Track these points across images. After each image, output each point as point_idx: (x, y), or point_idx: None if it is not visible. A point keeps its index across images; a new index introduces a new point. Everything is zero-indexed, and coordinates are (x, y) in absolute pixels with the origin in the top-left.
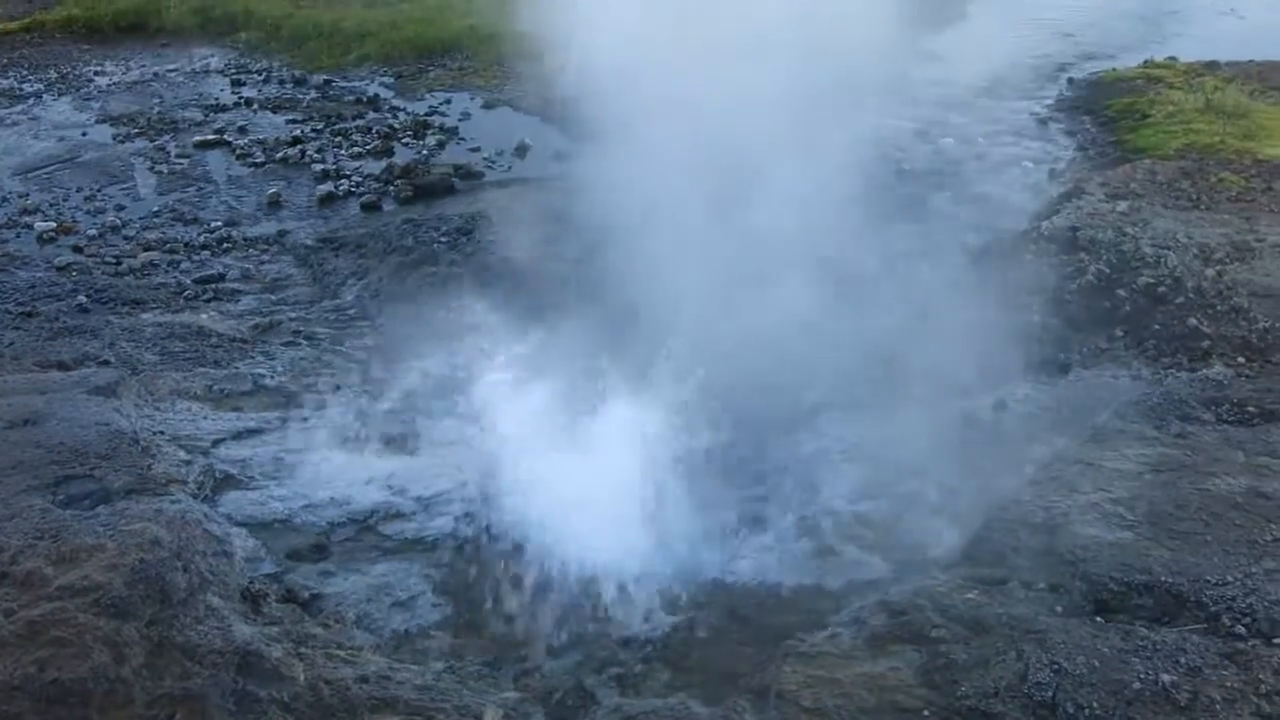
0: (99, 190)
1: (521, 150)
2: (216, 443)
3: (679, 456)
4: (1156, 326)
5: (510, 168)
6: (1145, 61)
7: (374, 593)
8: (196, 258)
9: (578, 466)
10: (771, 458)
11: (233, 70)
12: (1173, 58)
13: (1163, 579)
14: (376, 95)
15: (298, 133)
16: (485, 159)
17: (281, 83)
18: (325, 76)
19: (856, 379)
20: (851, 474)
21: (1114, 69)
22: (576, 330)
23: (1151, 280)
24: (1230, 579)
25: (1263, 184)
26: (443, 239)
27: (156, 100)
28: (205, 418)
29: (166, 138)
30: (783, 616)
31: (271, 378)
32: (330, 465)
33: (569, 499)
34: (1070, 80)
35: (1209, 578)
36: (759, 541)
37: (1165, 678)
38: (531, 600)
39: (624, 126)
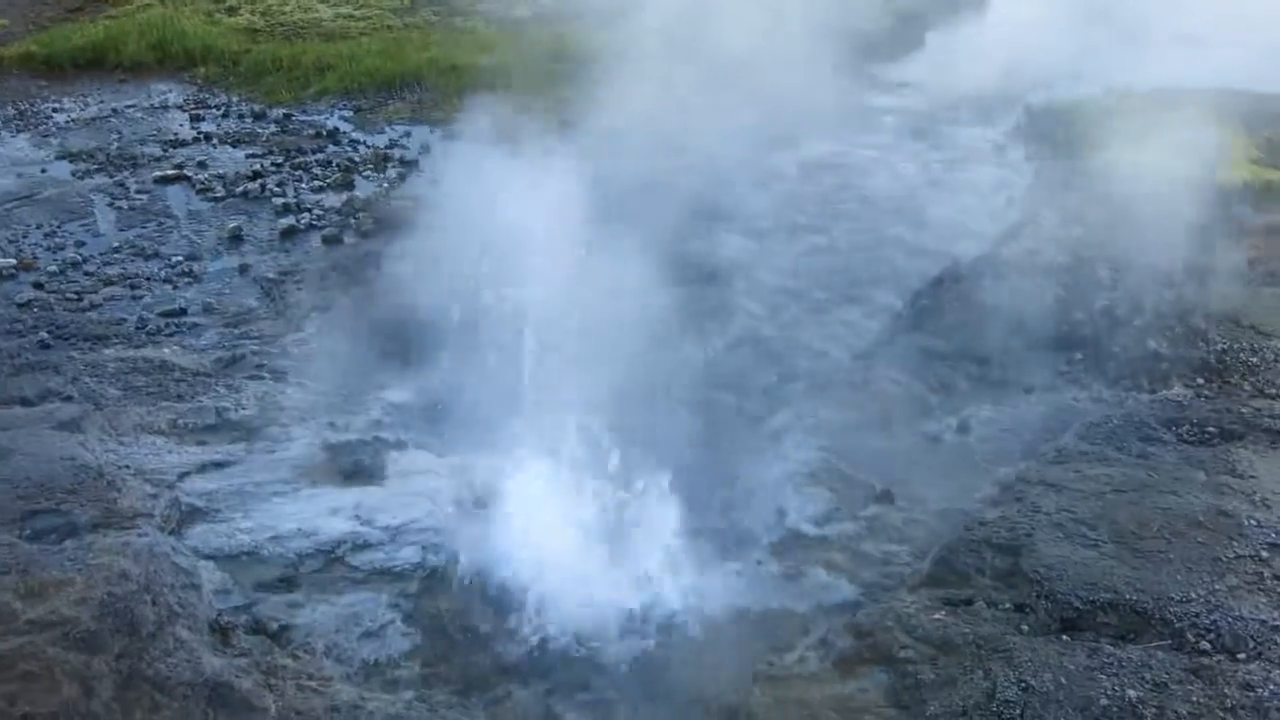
0: (59, 226)
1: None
2: (182, 476)
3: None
4: (1116, 349)
5: (470, 199)
6: (1101, 89)
7: (343, 623)
8: (158, 292)
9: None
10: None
11: (191, 105)
12: (1128, 85)
13: (1127, 597)
14: (336, 129)
15: (258, 167)
16: (446, 191)
17: (241, 117)
18: (284, 110)
19: (821, 403)
20: (818, 497)
21: (1070, 96)
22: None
23: (1110, 303)
24: (1194, 596)
25: (1218, 208)
26: (405, 270)
27: (115, 136)
28: (170, 451)
29: (126, 173)
30: (750, 639)
31: (235, 411)
32: (296, 497)
33: (537, 524)
34: (1027, 107)
35: (1173, 595)
36: (727, 566)
37: (1131, 693)
38: (501, 629)
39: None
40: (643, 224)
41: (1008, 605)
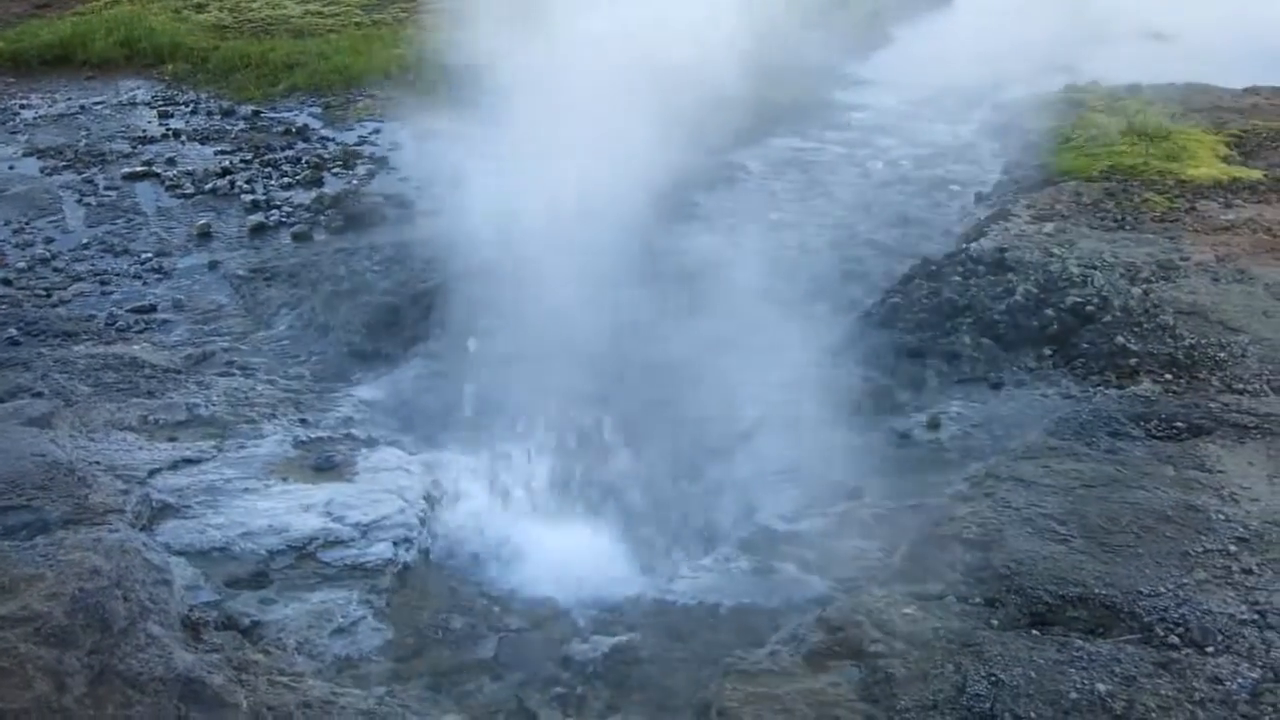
0: (27, 223)
1: (453, 180)
2: (153, 472)
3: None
4: (1085, 345)
5: (442, 196)
6: (1068, 85)
7: (315, 619)
8: (128, 289)
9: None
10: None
11: (160, 102)
12: (1095, 81)
13: (1097, 591)
14: (305, 125)
15: (227, 164)
16: (416, 188)
17: (209, 114)
18: (253, 107)
19: (790, 401)
20: (788, 493)
21: (1038, 93)
22: (512, 355)
23: (1079, 300)
24: (1163, 590)
25: (1186, 204)
26: (375, 268)
27: (84, 133)
28: (141, 448)
29: (94, 170)
30: (722, 635)
31: (206, 407)
32: (268, 493)
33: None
34: (995, 104)
35: (1142, 589)
36: (697, 562)
37: (1101, 687)
38: (473, 624)
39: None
40: (610, 219)
41: (978, 600)
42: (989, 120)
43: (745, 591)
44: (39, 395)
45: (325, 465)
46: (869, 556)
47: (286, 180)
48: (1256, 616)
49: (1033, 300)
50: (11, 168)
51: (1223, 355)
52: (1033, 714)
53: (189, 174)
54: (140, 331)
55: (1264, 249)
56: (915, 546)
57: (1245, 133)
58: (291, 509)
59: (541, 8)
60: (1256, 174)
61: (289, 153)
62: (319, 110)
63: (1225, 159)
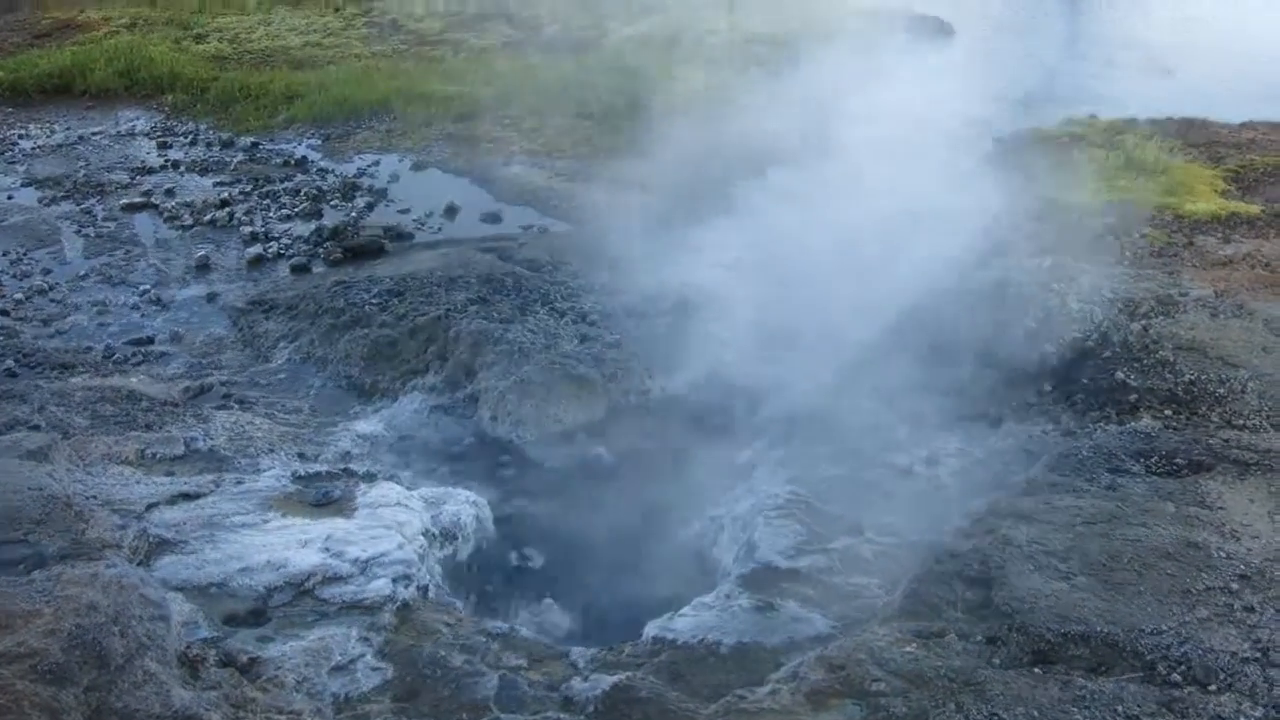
0: (25, 254)
1: (451, 212)
2: (150, 507)
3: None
4: (1085, 380)
5: (440, 229)
6: (1067, 119)
7: (313, 656)
8: (126, 321)
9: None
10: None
11: (159, 133)
12: (1093, 115)
13: (1099, 629)
14: (304, 157)
15: (225, 195)
16: (415, 220)
17: (209, 145)
18: (253, 139)
19: (792, 436)
20: (789, 530)
21: (1036, 127)
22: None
23: (1079, 335)
24: (1165, 628)
25: (1184, 239)
26: (374, 300)
27: (82, 163)
28: (138, 482)
29: (93, 201)
30: (723, 673)
31: (204, 441)
32: (265, 528)
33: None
34: (994, 137)
35: (1144, 627)
36: (698, 599)
37: None
38: (472, 664)
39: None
40: (615, 253)
41: (979, 638)
42: (988, 154)
43: (746, 629)
44: (36, 428)
45: (323, 500)
46: (869, 593)
47: (285, 212)
48: (1259, 654)
49: (1033, 335)
50: (10, 198)
51: (1222, 391)
52: None
53: (188, 205)
54: (138, 364)
55: (1262, 284)
56: (916, 583)
57: (1243, 167)
58: (290, 545)
59: None
60: (1254, 209)
61: (288, 184)
62: (318, 142)
63: (1223, 194)
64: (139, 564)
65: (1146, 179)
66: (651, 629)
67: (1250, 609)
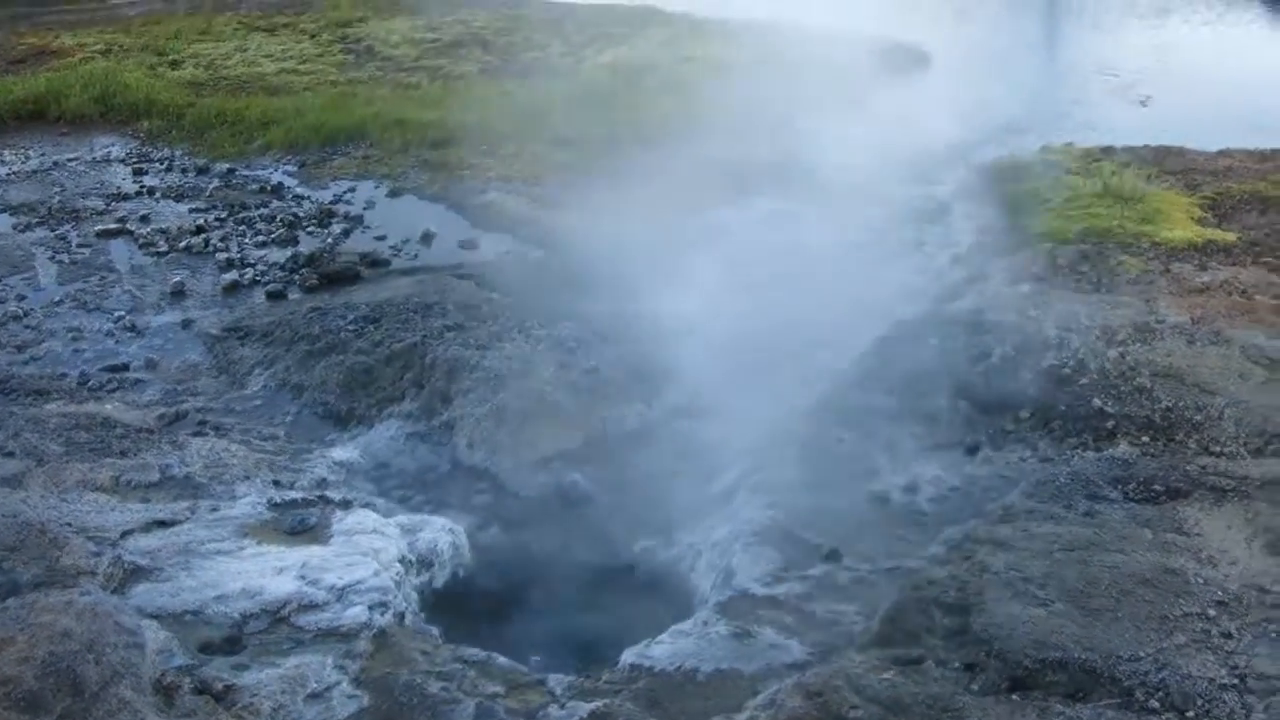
0: None
1: (427, 238)
2: (125, 534)
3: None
4: (1062, 407)
5: (416, 255)
6: (1043, 147)
7: (289, 684)
8: (100, 347)
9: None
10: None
11: (134, 159)
12: (1070, 143)
13: (1076, 655)
14: (280, 183)
15: (201, 221)
16: (391, 247)
17: (184, 171)
18: (228, 165)
19: (767, 463)
20: (766, 557)
21: (1013, 155)
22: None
23: (1056, 362)
24: (1143, 654)
25: (1161, 266)
26: (350, 327)
27: (57, 189)
28: (113, 509)
29: (68, 227)
30: (700, 700)
31: (179, 468)
32: (241, 555)
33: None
34: (971, 165)
35: (1122, 653)
36: (676, 626)
37: None
38: (448, 691)
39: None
40: (592, 279)
41: (957, 664)
42: (964, 181)
43: (723, 656)
44: (10, 455)
45: (299, 528)
46: (847, 620)
47: (261, 238)
48: (1237, 681)
49: (1009, 363)
50: None
51: (1199, 418)
52: None
53: (163, 231)
54: (113, 390)
55: (1239, 311)
56: (894, 610)
57: (1219, 195)
58: (265, 572)
59: None
60: (1231, 236)
61: (264, 211)
62: (294, 168)
63: (1200, 221)
64: (114, 591)
65: (1123, 206)
66: (629, 656)
67: (1228, 635)
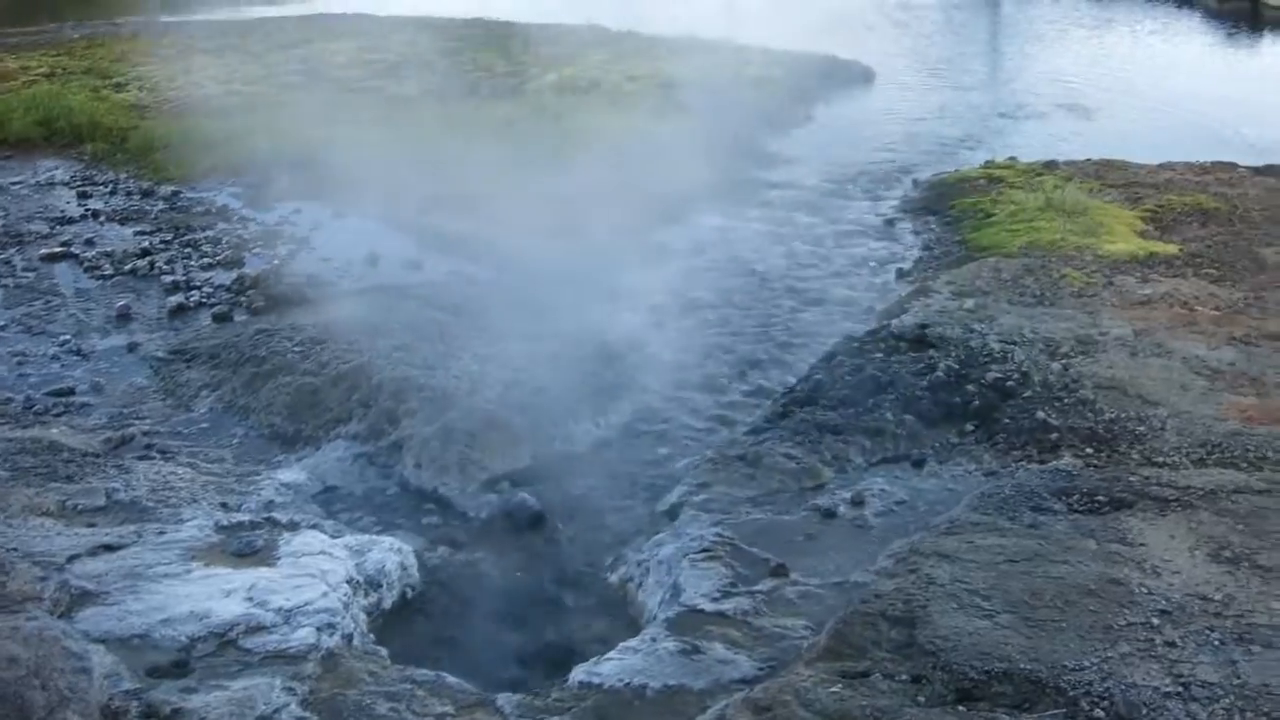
0: None
1: (373, 259)
2: (72, 559)
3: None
4: (1006, 420)
5: (363, 276)
6: (986, 162)
7: (237, 707)
8: (45, 371)
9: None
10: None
11: (79, 182)
12: (1013, 158)
13: (1022, 666)
14: (226, 205)
15: (146, 244)
16: (337, 268)
17: (129, 194)
18: (173, 187)
19: (714, 479)
20: (714, 573)
21: (957, 170)
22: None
23: (1000, 375)
24: (1087, 664)
25: (1104, 279)
26: (296, 349)
27: (1, 213)
28: (59, 533)
29: (12, 251)
30: (650, 717)
31: (126, 492)
32: (188, 579)
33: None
34: (915, 181)
35: (1067, 663)
36: (624, 643)
37: None
38: (399, 711)
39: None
40: (539, 298)
41: (904, 677)
42: (909, 197)
43: (672, 672)
44: None
45: (247, 550)
46: (795, 634)
47: (207, 260)
48: (1181, 689)
49: (954, 376)
50: None
51: (1142, 429)
52: None
53: (108, 255)
54: (58, 414)
55: (1181, 323)
56: (841, 624)
57: (1161, 208)
58: (213, 595)
59: None
60: (1172, 248)
61: (209, 233)
62: (239, 190)
63: (1142, 234)
64: (61, 616)
65: (1066, 220)
66: (578, 673)
67: (1172, 644)
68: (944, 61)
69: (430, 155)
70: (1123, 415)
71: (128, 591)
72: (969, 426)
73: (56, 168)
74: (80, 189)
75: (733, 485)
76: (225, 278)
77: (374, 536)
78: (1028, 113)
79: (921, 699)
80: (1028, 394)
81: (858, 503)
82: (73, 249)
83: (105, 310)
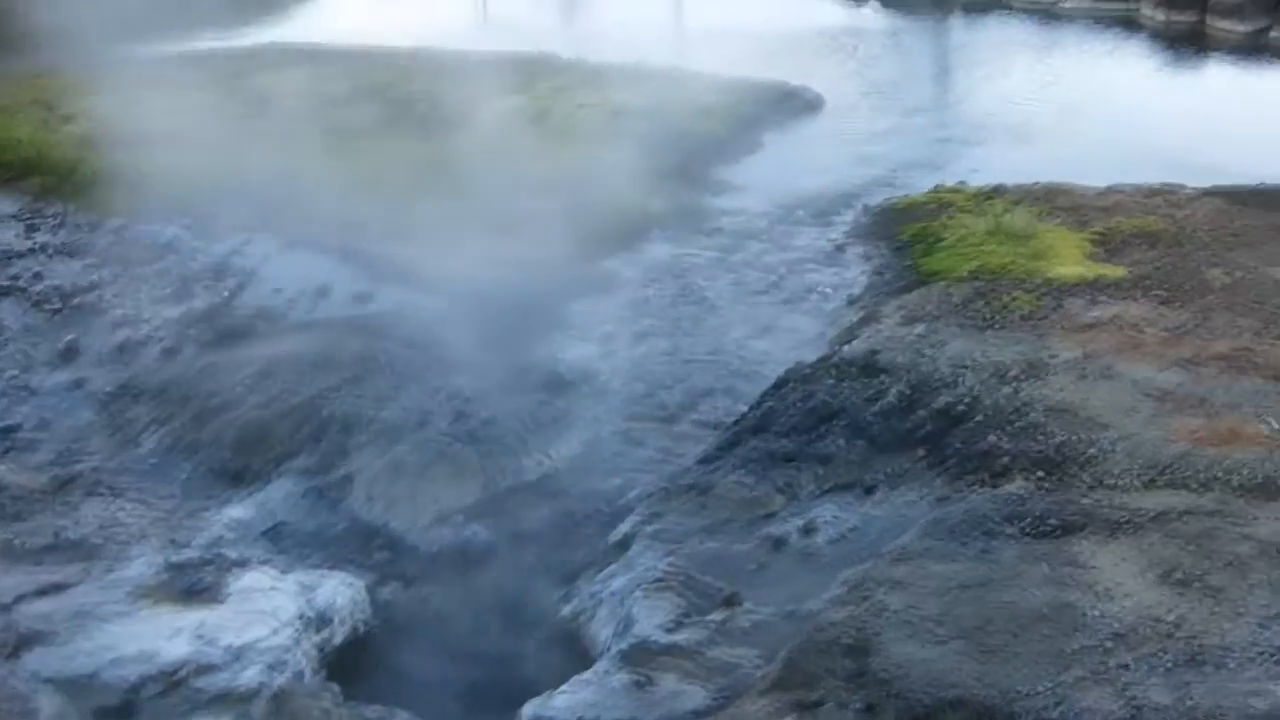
0: None
1: (323, 291)
2: (19, 599)
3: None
4: (957, 445)
5: (313, 308)
6: (935, 187)
7: None
8: None
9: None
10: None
11: (26, 215)
12: (962, 182)
13: (975, 693)
14: (175, 238)
15: (94, 278)
16: (287, 300)
17: (76, 228)
18: (121, 220)
19: (668, 510)
20: (666, 604)
21: (906, 195)
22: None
23: (950, 400)
24: (1040, 689)
25: (1053, 302)
26: (244, 383)
27: None
28: (5, 573)
29: None
30: None
31: (73, 530)
32: (136, 618)
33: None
34: (865, 206)
35: (1019, 689)
36: (577, 676)
37: None
38: None
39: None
40: (489, 329)
41: (858, 706)
42: (859, 223)
43: (624, 706)
44: None
45: (195, 588)
46: (747, 664)
47: (155, 294)
48: (1133, 712)
49: (905, 402)
50: None
51: (1092, 452)
52: None
53: (56, 289)
54: (4, 452)
55: (1129, 346)
56: (793, 653)
57: (1108, 231)
58: (161, 634)
59: None
60: (1120, 272)
61: (157, 266)
62: (188, 222)
63: (1090, 257)
64: (7, 657)
65: (1014, 244)
66: (530, 708)
67: (1124, 667)
68: (892, 86)
69: (380, 186)
70: (1073, 438)
71: (75, 631)
72: (920, 452)
73: (3, 201)
74: (28, 222)
75: (684, 515)
76: (173, 311)
77: (325, 572)
78: (976, 136)
79: None
80: (978, 418)
81: (809, 530)
82: (20, 283)
83: (52, 345)
